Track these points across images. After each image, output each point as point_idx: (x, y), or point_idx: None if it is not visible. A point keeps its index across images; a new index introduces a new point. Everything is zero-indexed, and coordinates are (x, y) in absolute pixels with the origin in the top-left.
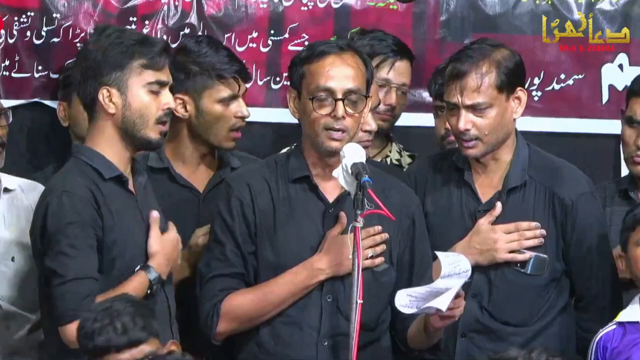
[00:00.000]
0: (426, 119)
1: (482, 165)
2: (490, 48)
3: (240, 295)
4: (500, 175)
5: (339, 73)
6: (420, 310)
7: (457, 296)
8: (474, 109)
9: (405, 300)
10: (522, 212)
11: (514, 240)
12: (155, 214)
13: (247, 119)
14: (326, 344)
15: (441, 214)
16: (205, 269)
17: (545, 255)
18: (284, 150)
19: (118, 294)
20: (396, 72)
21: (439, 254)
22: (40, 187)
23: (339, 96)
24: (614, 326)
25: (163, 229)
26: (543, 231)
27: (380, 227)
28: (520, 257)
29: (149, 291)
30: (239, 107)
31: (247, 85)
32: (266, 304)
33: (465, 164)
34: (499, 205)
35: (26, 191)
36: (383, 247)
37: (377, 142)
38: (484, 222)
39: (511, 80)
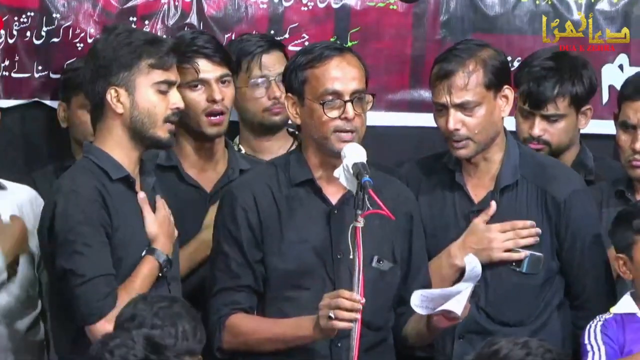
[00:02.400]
0: (426, 119)
1: (473, 165)
2: (475, 47)
3: (246, 321)
4: (492, 175)
5: (344, 75)
6: (435, 312)
7: None
8: (463, 107)
9: (419, 300)
10: (516, 211)
11: (509, 239)
12: (141, 195)
13: None
14: (340, 345)
15: (434, 216)
16: (210, 281)
17: (540, 254)
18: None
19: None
20: (269, 64)
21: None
22: (29, 190)
23: (347, 98)
24: (610, 315)
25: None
26: (538, 230)
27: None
28: (516, 256)
29: (159, 274)
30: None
31: None
32: (269, 337)
33: (456, 165)
34: (493, 204)
35: (16, 191)
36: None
37: (281, 140)
38: (479, 222)
39: (498, 78)
